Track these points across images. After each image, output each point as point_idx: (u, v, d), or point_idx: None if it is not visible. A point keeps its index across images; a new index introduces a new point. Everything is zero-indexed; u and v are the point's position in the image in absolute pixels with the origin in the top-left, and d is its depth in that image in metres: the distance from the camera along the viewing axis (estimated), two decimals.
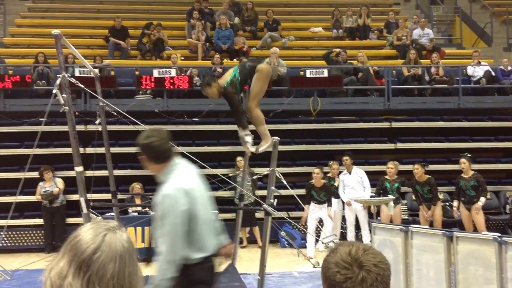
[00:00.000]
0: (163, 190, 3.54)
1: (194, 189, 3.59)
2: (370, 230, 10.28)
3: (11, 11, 16.63)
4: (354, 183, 10.80)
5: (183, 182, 3.55)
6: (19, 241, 11.25)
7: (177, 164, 3.68)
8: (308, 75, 12.71)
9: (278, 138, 6.38)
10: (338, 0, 18.36)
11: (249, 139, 6.20)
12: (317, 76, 12.66)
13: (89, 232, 1.56)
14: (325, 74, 12.73)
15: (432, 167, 11.11)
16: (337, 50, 13.76)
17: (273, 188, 6.16)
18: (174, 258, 3.47)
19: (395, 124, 12.99)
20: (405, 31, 15.36)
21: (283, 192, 7.19)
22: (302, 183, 11.05)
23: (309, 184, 10.52)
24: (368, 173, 11.03)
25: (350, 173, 10.93)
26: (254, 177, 9.48)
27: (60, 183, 11.14)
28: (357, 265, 1.56)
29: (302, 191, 10.38)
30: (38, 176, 11.07)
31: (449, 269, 6.14)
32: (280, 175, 6.22)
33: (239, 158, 11.10)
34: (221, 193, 9.57)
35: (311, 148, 12.64)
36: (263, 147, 6.25)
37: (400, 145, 12.78)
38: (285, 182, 6.18)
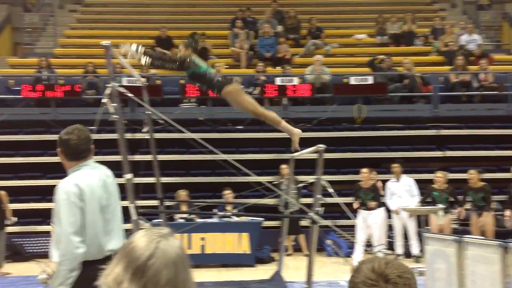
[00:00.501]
0: (59, 185, 3.67)
1: (90, 189, 3.65)
2: (420, 240, 10.12)
3: (61, 23, 17.14)
4: (402, 191, 10.63)
5: (79, 180, 3.65)
6: None
7: (87, 166, 3.79)
8: (352, 82, 12.61)
9: (324, 146, 6.33)
10: (383, 7, 18.18)
11: (133, 47, 5.88)
12: (362, 83, 12.55)
13: (143, 239, 1.59)
14: (370, 81, 12.61)
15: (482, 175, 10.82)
16: (381, 56, 13.62)
17: (319, 196, 6.11)
18: (67, 253, 3.53)
19: (443, 132, 12.73)
20: (452, 37, 15.06)
21: (328, 200, 7.14)
22: (347, 191, 10.94)
23: (357, 185, 10.41)
24: (416, 181, 10.84)
25: (398, 180, 10.77)
26: (299, 185, 9.44)
27: None
28: (382, 279, 1.60)
29: (347, 199, 10.27)
30: None
31: (505, 281, 5.94)
32: (326, 183, 6.17)
33: (283, 166, 11.07)
34: (265, 201, 9.57)
35: (356, 156, 12.51)
36: (296, 143, 6.16)
37: (449, 153, 12.51)
38: (331, 190, 6.12)
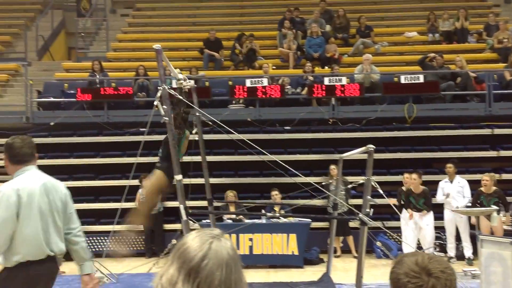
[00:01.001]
0: (1, 188, 3.82)
1: (30, 193, 3.79)
2: (472, 242, 9.85)
3: (113, 27, 17.58)
4: (454, 192, 10.38)
5: (20, 184, 3.79)
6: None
7: (29, 170, 3.93)
8: (403, 81, 12.38)
9: (373, 146, 6.24)
10: (434, 3, 17.79)
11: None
12: (412, 82, 12.31)
13: (196, 240, 1.61)
14: (421, 79, 12.35)
15: None
16: (432, 54, 13.33)
17: (369, 197, 6.04)
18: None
19: (498, 131, 12.33)
20: (506, 33, 14.58)
21: (378, 201, 7.03)
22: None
23: (406, 190, 10.21)
24: (468, 182, 10.55)
25: (451, 181, 10.52)
26: (348, 186, 9.35)
27: None
28: (425, 273, 1.65)
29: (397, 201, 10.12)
30: (139, 184, 11.56)
31: None
32: (376, 184, 6.08)
33: (332, 167, 10.98)
34: (314, 202, 9.53)
35: (407, 156, 12.28)
36: None
37: (503, 153, 12.11)
38: (381, 192, 6.04)
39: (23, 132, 12.72)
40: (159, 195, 6.18)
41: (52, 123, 12.51)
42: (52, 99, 13.27)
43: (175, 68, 6.15)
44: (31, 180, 3.90)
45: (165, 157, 5.79)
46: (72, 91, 13.02)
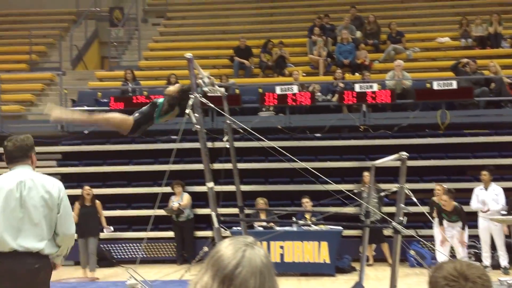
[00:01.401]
0: None
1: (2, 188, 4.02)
2: (508, 251, 9.63)
3: (145, 36, 17.83)
4: (489, 200, 10.16)
5: None
6: (154, 252, 11.90)
7: (15, 169, 4.17)
8: (435, 87, 12.21)
9: (406, 154, 6.16)
10: (466, 8, 17.54)
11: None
12: (445, 88, 12.13)
13: (229, 248, 1.61)
14: (454, 85, 12.17)
15: None
16: (465, 60, 13.13)
17: (402, 205, 5.95)
18: None
19: None
20: None
21: (411, 209, 6.94)
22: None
23: (438, 205, 10.01)
24: (503, 189, 10.33)
25: (486, 189, 10.31)
26: (381, 194, 9.24)
27: (185, 199, 11.56)
28: (463, 278, 1.75)
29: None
30: (171, 191, 11.66)
31: None
32: (410, 192, 5.99)
33: (365, 173, 10.86)
34: (346, 209, 9.44)
35: (440, 163, 12.09)
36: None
37: None
38: (414, 199, 5.94)
39: (58, 140, 13.02)
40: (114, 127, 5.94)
41: (86, 131, 12.73)
42: (86, 107, 13.50)
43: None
44: (7, 177, 4.15)
45: (144, 114, 5.70)
46: (106, 100, 13.23)
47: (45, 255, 4.12)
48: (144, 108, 5.85)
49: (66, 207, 4.21)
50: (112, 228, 11.02)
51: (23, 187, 4.08)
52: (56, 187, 4.20)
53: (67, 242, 4.24)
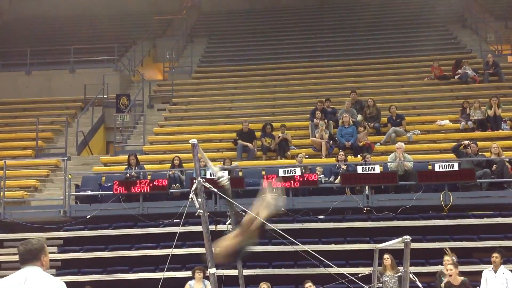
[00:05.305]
0: None
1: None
2: None
3: (150, 121, 18.21)
4: (498, 284, 9.91)
5: (3, 281, 4.15)
6: None
7: (23, 269, 4.20)
8: (437, 169, 12.29)
9: (409, 237, 6.12)
10: (465, 92, 17.98)
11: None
12: (447, 170, 12.21)
13: None
14: (456, 167, 12.25)
15: None
16: (466, 142, 13.28)
17: None
18: None
19: None
20: None
21: None
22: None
23: (446, 281, 9.78)
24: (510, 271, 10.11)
25: (495, 271, 10.08)
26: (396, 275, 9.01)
27: (209, 286, 11.22)
28: None
29: None
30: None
31: None
32: (414, 276, 5.91)
33: (386, 256, 10.45)
34: None
35: (445, 245, 11.88)
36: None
37: None
38: (420, 285, 5.86)
39: (60, 226, 12.93)
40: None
41: (88, 216, 12.69)
42: (89, 192, 13.56)
43: (212, 162, 6.29)
44: (13, 276, 4.21)
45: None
46: (109, 184, 13.30)
47: None
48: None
49: None
50: None
51: (23, 283, 4.12)
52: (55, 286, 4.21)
53: None
